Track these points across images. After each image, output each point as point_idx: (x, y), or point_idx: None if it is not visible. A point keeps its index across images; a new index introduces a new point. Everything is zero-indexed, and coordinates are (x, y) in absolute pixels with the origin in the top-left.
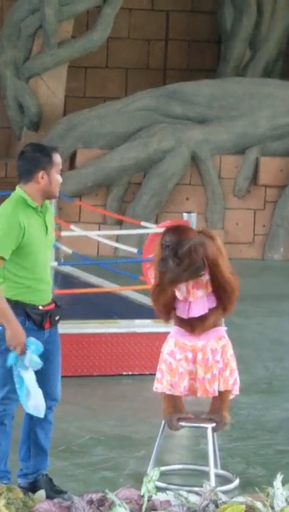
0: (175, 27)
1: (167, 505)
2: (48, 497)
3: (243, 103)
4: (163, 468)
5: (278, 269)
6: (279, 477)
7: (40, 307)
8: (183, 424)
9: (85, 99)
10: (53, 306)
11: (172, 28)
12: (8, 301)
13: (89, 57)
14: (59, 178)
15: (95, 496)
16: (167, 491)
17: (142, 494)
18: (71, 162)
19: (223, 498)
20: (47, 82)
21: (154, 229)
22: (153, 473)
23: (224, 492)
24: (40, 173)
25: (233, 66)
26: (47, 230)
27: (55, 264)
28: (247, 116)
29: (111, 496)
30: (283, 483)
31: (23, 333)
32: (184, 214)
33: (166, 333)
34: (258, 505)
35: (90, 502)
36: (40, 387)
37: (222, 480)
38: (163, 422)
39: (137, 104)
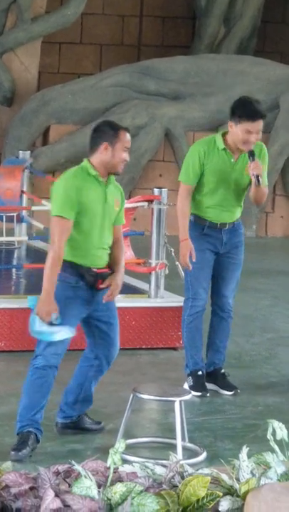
0: (149, 3)
1: (133, 476)
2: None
3: (217, 80)
4: (131, 441)
5: (250, 246)
6: (245, 450)
7: (94, 269)
8: (150, 398)
9: (59, 75)
10: (107, 270)
11: (147, 4)
12: (64, 261)
13: (63, 33)
14: (125, 156)
15: (61, 468)
16: (133, 463)
17: (108, 466)
18: (44, 138)
19: (189, 470)
20: (20, 58)
21: (125, 204)
22: (119, 444)
23: (191, 465)
24: (104, 145)
25: (207, 43)
26: (106, 199)
27: (26, 238)
28: (221, 93)
29: (77, 467)
30: (249, 455)
31: (55, 306)
32: (155, 190)
33: (138, 308)
34: (224, 477)
35: (57, 473)
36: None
37: (189, 453)
38: (131, 396)
39: (110, 80)
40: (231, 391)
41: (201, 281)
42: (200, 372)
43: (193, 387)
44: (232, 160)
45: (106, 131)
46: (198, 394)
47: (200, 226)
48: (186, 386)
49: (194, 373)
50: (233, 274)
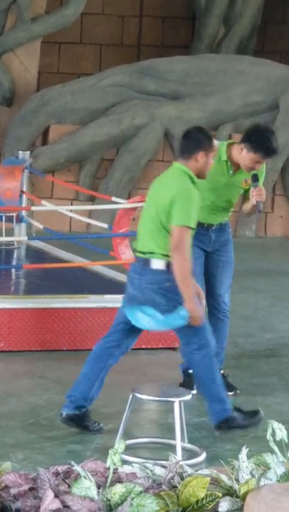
0: (149, 3)
1: (133, 477)
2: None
3: (217, 80)
4: (130, 441)
5: (250, 246)
6: (244, 450)
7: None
8: (149, 398)
9: (59, 75)
10: None
11: (146, 4)
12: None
13: (63, 33)
14: (212, 163)
15: (60, 468)
16: (133, 464)
17: (107, 466)
18: (44, 138)
19: (189, 470)
20: (20, 58)
21: (125, 205)
22: (118, 445)
23: (191, 465)
24: (200, 154)
25: (207, 43)
26: None
27: (26, 239)
28: (220, 93)
29: (77, 468)
30: (248, 456)
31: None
32: None
33: None
34: (223, 477)
35: (56, 474)
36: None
37: (189, 454)
38: (131, 396)
39: (110, 80)
40: (231, 392)
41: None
42: (190, 371)
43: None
44: (230, 172)
45: (203, 141)
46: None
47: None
48: None
49: (185, 371)
50: (224, 271)
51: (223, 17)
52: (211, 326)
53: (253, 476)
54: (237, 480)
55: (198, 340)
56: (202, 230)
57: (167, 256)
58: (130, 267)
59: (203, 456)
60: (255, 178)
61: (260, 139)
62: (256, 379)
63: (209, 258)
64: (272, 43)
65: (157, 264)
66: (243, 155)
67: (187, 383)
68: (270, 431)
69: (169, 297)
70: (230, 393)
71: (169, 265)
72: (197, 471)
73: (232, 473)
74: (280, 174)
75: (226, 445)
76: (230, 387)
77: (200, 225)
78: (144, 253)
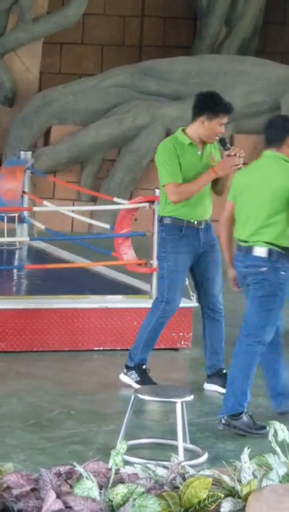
0: (151, 3)
1: (135, 478)
2: None
3: (218, 80)
4: (132, 442)
5: None
6: (246, 451)
7: (196, 222)
8: (151, 399)
9: (60, 76)
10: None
11: (148, 4)
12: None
13: (64, 34)
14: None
15: (62, 469)
16: (135, 464)
17: (109, 467)
18: (45, 138)
19: (191, 471)
20: (22, 58)
21: (127, 205)
22: (120, 446)
23: (192, 466)
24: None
25: (208, 43)
26: None
27: (28, 239)
28: (221, 93)
29: (79, 468)
30: (250, 457)
31: None
32: (156, 190)
33: (140, 309)
34: (225, 478)
35: (58, 474)
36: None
37: (191, 454)
38: (133, 397)
39: (111, 81)
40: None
41: (178, 285)
42: (144, 367)
43: (140, 382)
44: (198, 153)
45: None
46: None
47: (178, 228)
48: (128, 381)
49: (139, 367)
50: (215, 272)
51: (224, 18)
52: (208, 328)
53: (255, 476)
54: (239, 481)
55: (261, 333)
56: (192, 231)
57: None
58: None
59: (205, 456)
60: (224, 142)
61: (215, 101)
62: (258, 379)
63: (199, 261)
64: (273, 43)
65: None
66: (207, 126)
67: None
68: (272, 432)
69: None
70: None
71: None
72: (199, 471)
73: (234, 474)
74: None
75: (227, 446)
76: None
77: (190, 224)
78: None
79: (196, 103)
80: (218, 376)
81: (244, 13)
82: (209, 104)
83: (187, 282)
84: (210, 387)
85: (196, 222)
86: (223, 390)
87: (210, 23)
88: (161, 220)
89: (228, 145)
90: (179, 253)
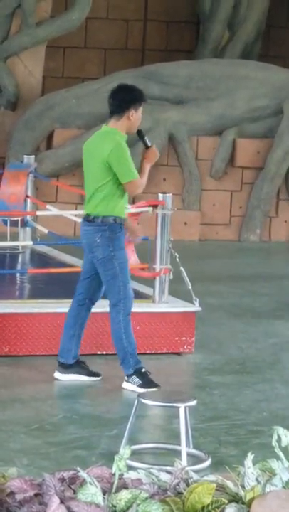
0: (154, 7)
1: (138, 483)
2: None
3: (221, 84)
4: (135, 447)
5: (254, 250)
6: (250, 456)
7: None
8: (154, 404)
9: (63, 80)
10: None
11: (151, 8)
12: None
13: (67, 37)
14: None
15: (66, 474)
16: (138, 470)
17: (113, 472)
18: (48, 142)
19: (194, 476)
20: (25, 62)
21: (129, 209)
22: (124, 451)
23: (196, 471)
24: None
25: (211, 47)
26: None
27: (31, 243)
28: (224, 97)
29: (82, 473)
30: (254, 462)
31: None
32: (159, 195)
33: (143, 313)
34: (229, 484)
35: (62, 480)
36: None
37: (194, 459)
38: (136, 401)
39: (114, 85)
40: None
41: (129, 279)
42: (143, 370)
43: (143, 385)
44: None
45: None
46: (154, 389)
47: (119, 225)
48: (131, 387)
49: (139, 371)
50: None
51: (227, 22)
52: (83, 317)
53: (258, 482)
54: (243, 486)
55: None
56: (123, 227)
57: None
58: None
59: (209, 462)
60: (142, 133)
61: (137, 92)
62: (261, 384)
63: None
64: (276, 47)
65: None
66: (135, 117)
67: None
68: (275, 437)
69: None
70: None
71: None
72: (203, 477)
73: (237, 480)
74: (284, 179)
75: (231, 451)
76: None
77: (123, 221)
78: None
79: (121, 100)
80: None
81: (247, 17)
82: (135, 96)
83: (190, 286)
84: (71, 377)
85: (123, 220)
86: (86, 378)
87: (213, 27)
88: (102, 220)
89: (144, 138)
90: (123, 249)
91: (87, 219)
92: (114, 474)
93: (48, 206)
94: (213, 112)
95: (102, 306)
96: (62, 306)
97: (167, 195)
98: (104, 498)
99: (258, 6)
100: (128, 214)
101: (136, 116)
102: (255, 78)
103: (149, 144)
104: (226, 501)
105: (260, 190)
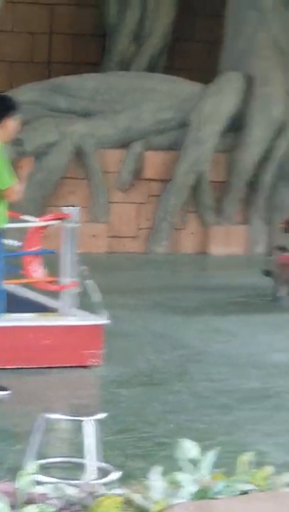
0: (59, 20)
1: (45, 497)
2: None
3: (127, 97)
4: (43, 461)
5: (161, 262)
6: (157, 469)
7: None
8: (61, 417)
9: None
10: None
11: (56, 21)
12: None
13: None
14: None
15: None
16: (45, 484)
17: (18, 487)
18: None
19: (102, 490)
20: None
21: (37, 223)
22: (29, 465)
23: (103, 484)
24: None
25: (117, 60)
26: None
27: None
28: (131, 110)
29: None
30: (161, 475)
31: None
32: (64, 208)
33: (50, 327)
34: (136, 497)
35: None
36: None
37: (102, 472)
38: (42, 415)
39: (21, 98)
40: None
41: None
42: None
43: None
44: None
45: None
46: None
47: (2, 233)
48: None
49: None
50: None
51: (133, 34)
52: None
53: (165, 494)
54: (150, 499)
55: None
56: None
57: None
58: None
59: (116, 474)
60: (20, 141)
61: (10, 101)
62: (168, 396)
63: None
64: (182, 60)
65: None
66: (11, 126)
67: None
68: (181, 449)
69: None
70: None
71: None
72: (110, 490)
73: (144, 493)
74: (192, 191)
75: (138, 464)
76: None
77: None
78: None
79: (5, 107)
80: None
81: (152, 30)
82: (8, 105)
83: (98, 299)
84: None
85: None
86: None
87: (118, 40)
88: None
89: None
90: (2, 259)
91: None
92: (19, 489)
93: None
94: (119, 125)
95: (11, 320)
96: None
97: (74, 208)
98: None
99: (164, 19)
100: (33, 227)
101: (11, 126)
102: (161, 91)
103: (26, 153)
104: None
105: (167, 203)
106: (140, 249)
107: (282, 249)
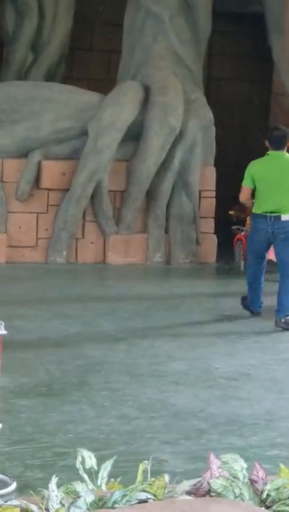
0: None
1: None
2: None
3: (25, 107)
4: None
5: (61, 272)
6: (54, 479)
7: None
8: None
9: None
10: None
11: None
12: None
13: None
14: None
15: None
16: None
17: None
18: None
19: None
20: None
21: None
22: None
23: (0, 496)
24: None
25: (15, 70)
26: None
27: None
28: (29, 120)
29: None
30: (59, 485)
31: None
32: None
33: None
34: (33, 507)
35: None
36: None
37: None
38: None
39: None
40: None
41: None
42: None
43: None
44: None
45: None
46: None
47: None
48: None
49: None
50: None
51: (31, 44)
52: None
53: (62, 505)
54: (47, 510)
55: None
56: None
57: None
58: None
59: (14, 485)
60: None
61: None
62: (67, 406)
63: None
64: (80, 69)
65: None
66: None
67: None
68: (79, 459)
69: None
70: None
71: None
72: (7, 502)
73: (42, 503)
74: (90, 201)
75: (36, 474)
76: None
77: None
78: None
79: None
80: None
81: (50, 39)
82: None
83: None
84: None
85: None
86: None
87: (16, 50)
88: None
89: None
90: None
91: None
92: None
93: None
94: (17, 134)
95: None
96: None
97: None
98: None
99: (62, 29)
100: None
101: None
102: (59, 100)
103: None
104: None
105: (66, 212)
106: (39, 259)
107: (239, 229)
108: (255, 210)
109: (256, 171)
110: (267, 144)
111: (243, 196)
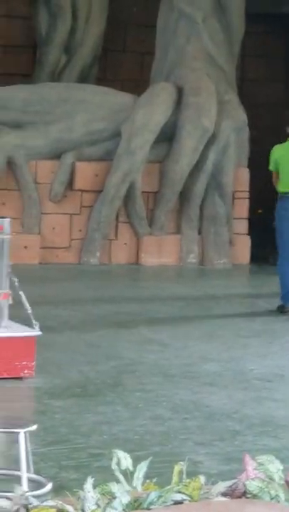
0: None
1: None
2: None
3: (58, 108)
4: None
5: (94, 273)
6: (90, 480)
7: None
8: None
9: None
10: None
11: None
12: None
13: None
14: None
15: None
16: None
17: None
18: None
19: (35, 502)
20: None
21: None
22: None
23: (36, 496)
24: None
25: (48, 71)
26: None
27: None
28: (62, 121)
29: None
30: (94, 486)
31: None
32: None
33: None
34: (69, 508)
35: None
36: None
37: (35, 484)
38: None
39: None
40: None
41: None
42: None
43: None
44: None
45: None
46: None
47: None
48: None
49: None
50: None
51: (64, 45)
52: None
53: (98, 506)
54: (83, 510)
55: None
56: None
57: None
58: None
59: (49, 486)
60: None
61: None
62: (102, 407)
63: None
64: (113, 71)
65: None
66: None
67: None
68: (115, 460)
69: None
70: None
71: None
72: (43, 502)
73: (77, 504)
74: (123, 202)
75: (71, 475)
76: None
77: None
78: None
79: None
80: None
81: (84, 40)
82: None
83: (30, 310)
84: None
85: None
86: None
87: (49, 51)
88: None
89: None
90: None
91: None
92: None
93: None
94: (51, 136)
95: None
96: None
97: (5, 219)
98: None
99: (95, 30)
100: None
101: None
102: (93, 102)
103: None
104: None
105: (99, 213)
106: (73, 260)
107: None
108: (279, 190)
109: (278, 154)
110: (288, 130)
111: (274, 180)
